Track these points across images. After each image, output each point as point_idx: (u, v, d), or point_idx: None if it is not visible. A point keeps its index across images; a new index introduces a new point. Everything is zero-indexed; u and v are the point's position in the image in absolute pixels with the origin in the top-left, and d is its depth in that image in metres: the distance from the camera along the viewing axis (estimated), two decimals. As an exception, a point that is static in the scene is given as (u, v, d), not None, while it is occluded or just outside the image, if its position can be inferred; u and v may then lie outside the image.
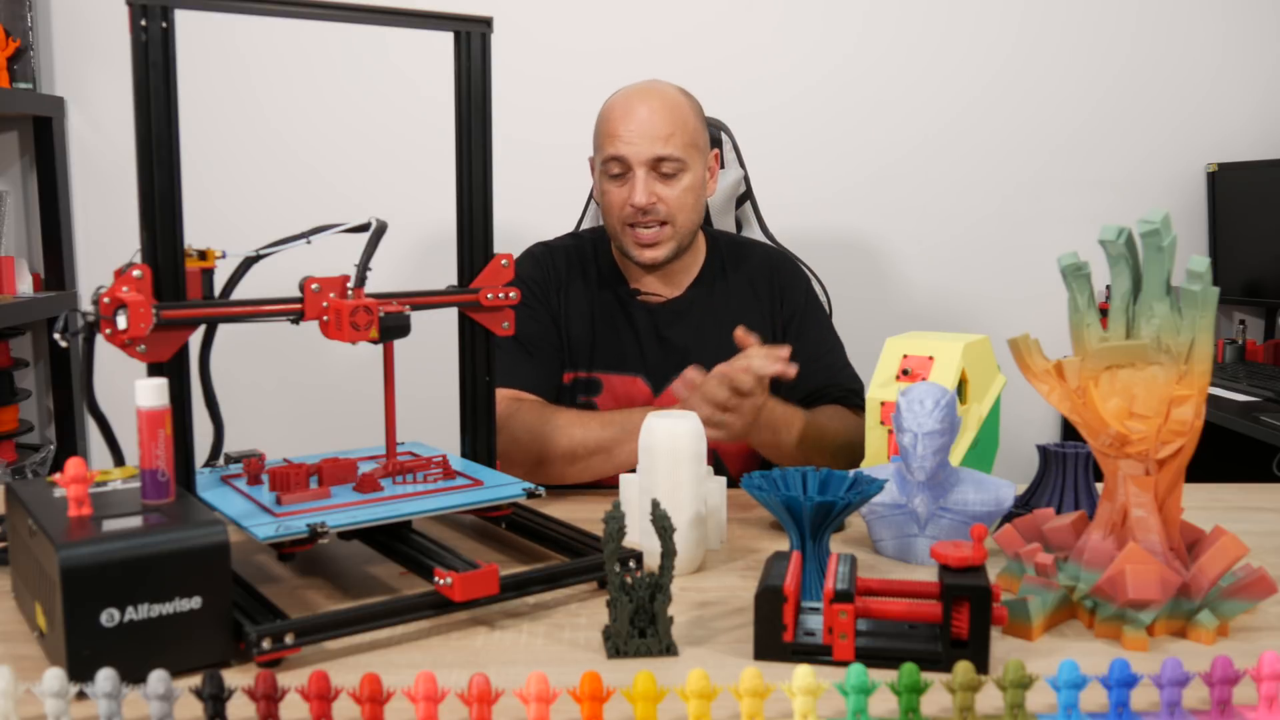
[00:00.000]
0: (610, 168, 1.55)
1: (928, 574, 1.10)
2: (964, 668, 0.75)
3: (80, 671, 0.77)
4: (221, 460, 1.17)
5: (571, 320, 1.62)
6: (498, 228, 1.23)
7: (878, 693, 0.76)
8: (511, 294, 1.21)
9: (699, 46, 2.51)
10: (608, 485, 1.52)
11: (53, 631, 0.83)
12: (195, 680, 0.73)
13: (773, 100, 2.54)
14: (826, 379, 1.61)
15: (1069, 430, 2.54)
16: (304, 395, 2.56)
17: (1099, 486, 1.11)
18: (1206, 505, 1.34)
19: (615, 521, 0.90)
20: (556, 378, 1.59)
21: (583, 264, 1.67)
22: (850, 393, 1.60)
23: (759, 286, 1.65)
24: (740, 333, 1.37)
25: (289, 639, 0.86)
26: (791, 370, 1.34)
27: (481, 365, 1.23)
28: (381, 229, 1.11)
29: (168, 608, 0.83)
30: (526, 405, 1.49)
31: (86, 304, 1.19)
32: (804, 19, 2.53)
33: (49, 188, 2.44)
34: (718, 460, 1.60)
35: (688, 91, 1.61)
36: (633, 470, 1.36)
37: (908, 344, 1.32)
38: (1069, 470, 1.22)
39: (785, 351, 1.34)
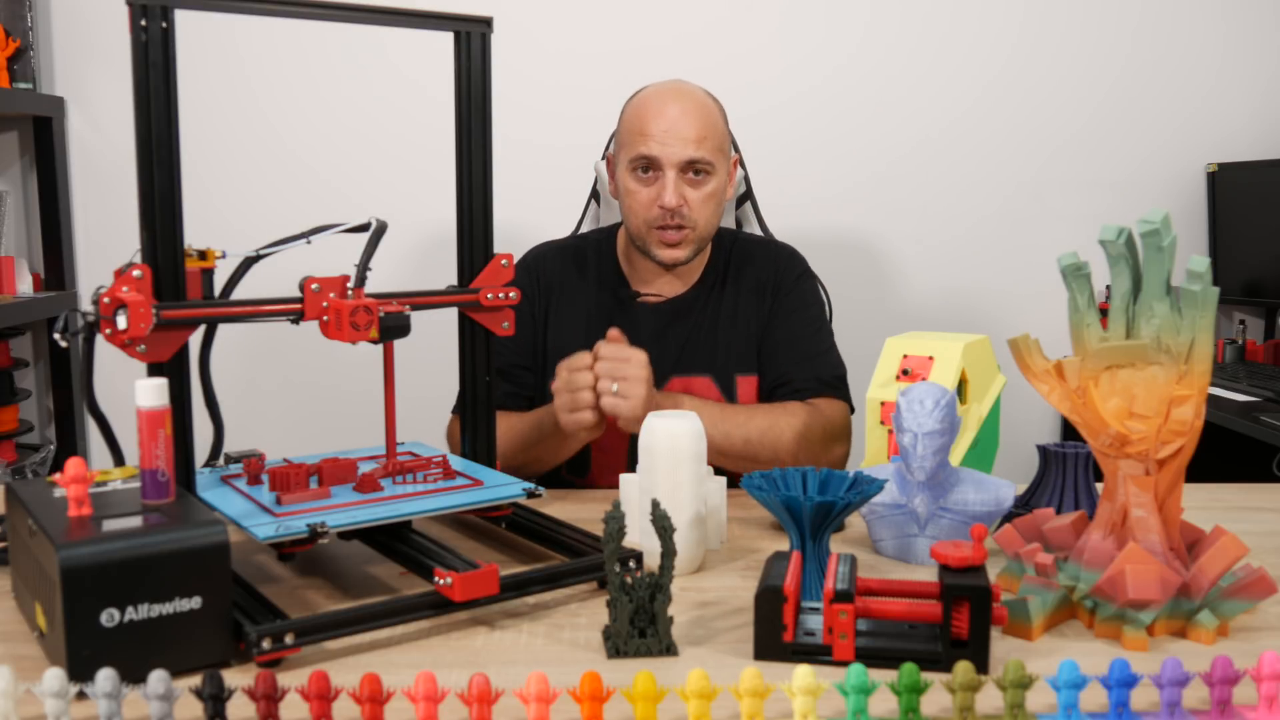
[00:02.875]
0: (639, 165, 1.53)
1: (928, 574, 1.10)
2: (964, 668, 0.75)
3: (80, 671, 0.77)
4: (221, 460, 1.17)
5: (563, 326, 1.62)
6: (498, 228, 1.23)
7: (878, 693, 0.76)
8: (511, 294, 1.21)
9: (700, 47, 2.51)
10: (608, 485, 1.53)
11: (53, 631, 0.83)
12: (195, 680, 0.73)
13: (773, 100, 2.54)
14: (789, 367, 1.57)
15: (1069, 430, 2.54)
16: (304, 395, 2.57)
17: (1099, 486, 1.11)
18: (1206, 505, 1.34)
19: (615, 521, 0.90)
20: (516, 401, 1.59)
21: (581, 267, 1.66)
22: (817, 381, 1.56)
23: (758, 283, 1.64)
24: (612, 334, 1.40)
25: (289, 639, 0.86)
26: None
27: (481, 365, 1.23)
28: (381, 229, 1.11)
29: (168, 608, 0.83)
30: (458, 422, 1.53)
31: (86, 304, 1.19)
32: (804, 20, 2.53)
33: (49, 188, 2.44)
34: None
35: (712, 94, 1.60)
36: (570, 463, 1.42)
37: (908, 344, 1.32)
38: (1069, 470, 1.22)
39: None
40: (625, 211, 1.58)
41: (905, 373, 1.29)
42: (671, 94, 1.54)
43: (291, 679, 0.78)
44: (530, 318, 1.62)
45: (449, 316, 1.21)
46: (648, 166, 1.52)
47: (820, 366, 1.58)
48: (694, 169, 1.51)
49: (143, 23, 0.97)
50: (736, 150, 1.87)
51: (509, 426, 1.46)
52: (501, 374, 1.57)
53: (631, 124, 1.55)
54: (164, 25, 0.98)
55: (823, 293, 1.76)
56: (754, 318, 1.62)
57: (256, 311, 1.04)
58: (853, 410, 1.58)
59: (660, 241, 1.55)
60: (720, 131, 1.56)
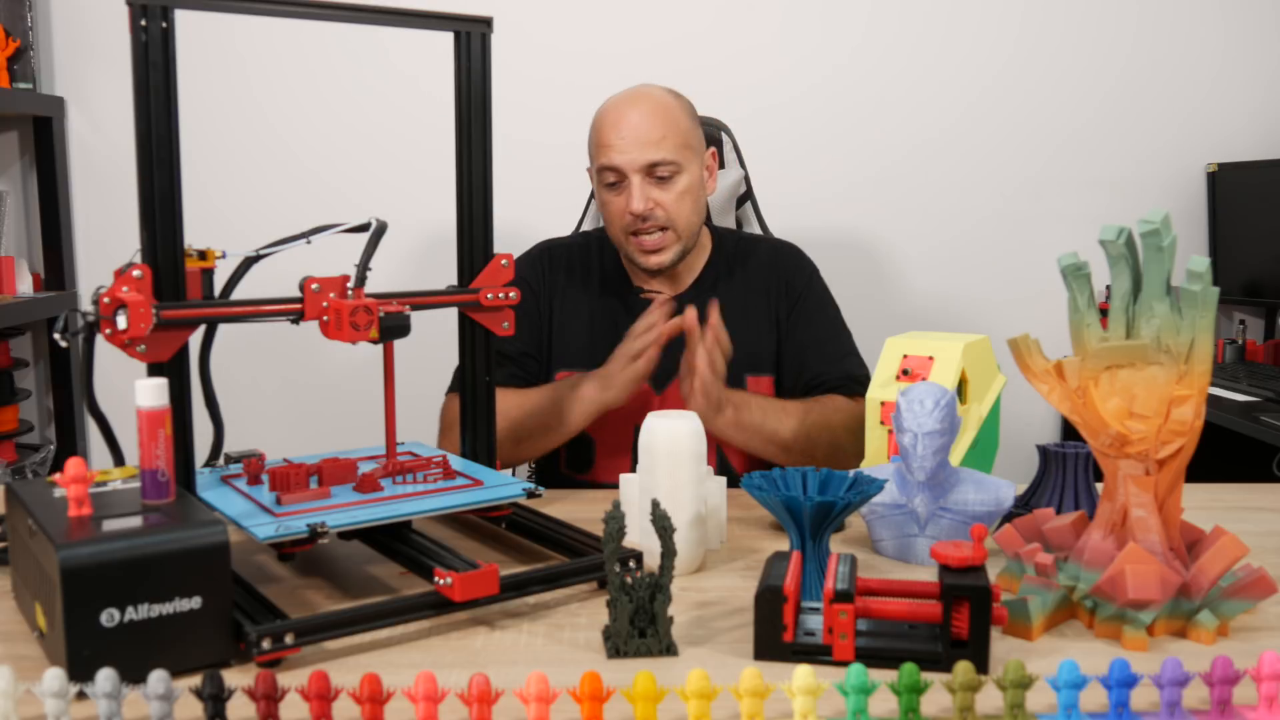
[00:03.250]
0: (605, 177, 1.54)
1: (928, 574, 1.09)
2: (964, 668, 0.75)
3: (80, 671, 0.77)
4: (221, 460, 1.17)
5: (566, 322, 1.63)
6: (498, 228, 1.23)
7: (878, 693, 0.76)
8: (511, 294, 1.22)
9: (700, 47, 2.51)
10: (608, 485, 1.53)
11: (53, 631, 0.83)
12: (195, 680, 0.73)
13: (773, 100, 2.54)
14: (823, 366, 1.59)
15: (1069, 430, 2.54)
16: (304, 395, 2.56)
17: (1099, 486, 1.11)
18: (1206, 505, 1.34)
19: (615, 521, 0.90)
20: (519, 383, 1.60)
21: (585, 265, 1.67)
22: (850, 379, 1.58)
23: (766, 282, 1.65)
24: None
25: (289, 639, 0.86)
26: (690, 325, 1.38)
27: (481, 365, 1.23)
28: (381, 229, 1.11)
29: (168, 608, 0.83)
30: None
31: (86, 304, 1.19)
32: (804, 19, 2.53)
33: (49, 188, 2.44)
34: (722, 459, 1.60)
35: (677, 92, 1.60)
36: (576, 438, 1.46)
37: (908, 344, 1.32)
38: (1069, 470, 1.22)
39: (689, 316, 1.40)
40: (605, 224, 1.61)
41: (905, 373, 1.29)
42: (627, 101, 1.55)
43: (291, 679, 0.78)
44: (536, 310, 1.63)
45: (449, 316, 1.21)
46: (614, 176, 1.53)
47: (851, 365, 1.61)
48: (659, 170, 1.52)
49: (143, 23, 0.97)
50: (732, 141, 1.87)
51: (521, 397, 1.50)
52: (509, 359, 1.58)
53: (593, 138, 1.57)
54: (164, 25, 0.98)
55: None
56: (765, 318, 1.62)
57: (256, 311, 1.04)
58: None
59: (640, 249, 1.56)
60: (683, 128, 1.55)
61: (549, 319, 1.64)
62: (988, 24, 2.55)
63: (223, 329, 1.11)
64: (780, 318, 1.63)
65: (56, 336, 1.03)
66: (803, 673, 0.73)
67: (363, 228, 1.11)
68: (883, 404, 1.28)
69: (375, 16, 1.11)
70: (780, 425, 1.47)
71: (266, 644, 0.85)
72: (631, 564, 1.01)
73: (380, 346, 1.10)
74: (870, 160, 2.57)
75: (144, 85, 0.98)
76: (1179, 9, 2.56)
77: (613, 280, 1.66)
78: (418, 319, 1.08)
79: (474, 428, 1.24)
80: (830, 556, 0.95)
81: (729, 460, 1.61)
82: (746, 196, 1.89)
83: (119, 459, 1.04)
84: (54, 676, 0.69)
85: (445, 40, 1.19)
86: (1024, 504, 1.23)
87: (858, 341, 1.75)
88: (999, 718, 0.76)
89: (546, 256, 1.68)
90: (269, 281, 1.15)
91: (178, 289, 1.01)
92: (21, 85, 2.39)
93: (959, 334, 1.36)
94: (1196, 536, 1.01)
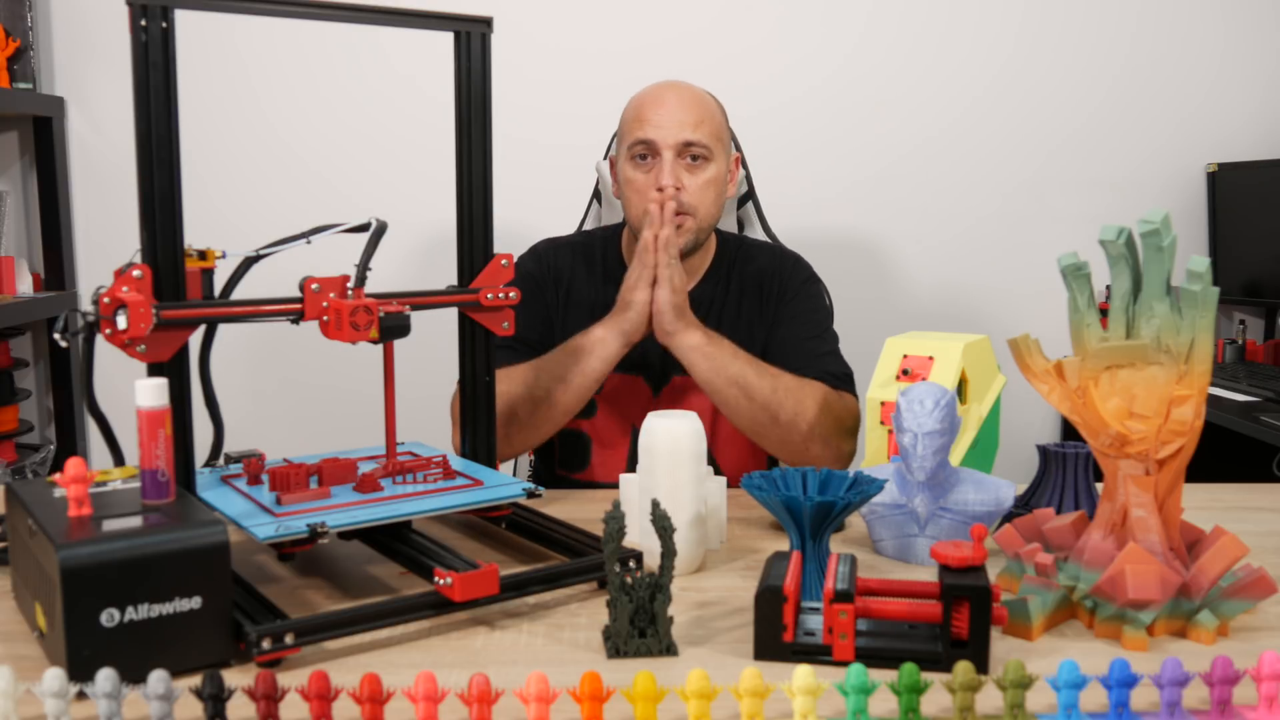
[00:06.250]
0: (636, 152, 1.54)
1: (928, 574, 1.10)
2: (964, 668, 0.75)
3: (80, 671, 0.77)
4: (221, 460, 1.17)
5: (570, 319, 1.63)
6: (498, 228, 1.23)
7: (878, 693, 0.76)
8: (511, 294, 1.21)
9: (700, 46, 2.51)
10: (604, 485, 1.53)
11: (53, 631, 0.83)
12: (195, 680, 0.73)
13: (774, 100, 2.54)
14: (801, 361, 1.56)
15: (1069, 430, 2.54)
16: (304, 395, 2.56)
17: (1099, 486, 1.11)
18: (1206, 505, 1.34)
19: (615, 521, 0.90)
20: (516, 358, 1.58)
21: (589, 262, 1.67)
22: (826, 374, 1.54)
23: (762, 283, 1.65)
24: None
25: (289, 639, 0.86)
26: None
27: (481, 365, 1.23)
28: (381, 229, 1.11)
29: (168, 608, 0.83)
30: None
31: (86, 304, 1.19)
32: (805, 19, 2.53)
33: (49, 188, 2.44)
34: (712, 464, 1.59)
35: (712, 94, 1.62)
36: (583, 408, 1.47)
37: (908, 344, 1.32)
38: (1069, 470, 1.22)
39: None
40: (625, 204, 1.59)
41: (905, 373, 1.29)
42: (668, 85, 1.58)
43: (291, 679, 0.78)
44: (543, 303, 1.63)
45: (449, 316, 1.21)
46: (645, 152, 1.54)
47: (828, 363, 1.58)
48: (691, 153, 1.52)
49: (143, 23, 0.97)
50: (739, 149, 1.87)
51: (524, 367, 1.48)
52: (506, 346, 1.56)
53: (629, 116, 1.58)
54: (164, 25, 0.98)
55: (826, 298, 1.76)
56: (756, 319, 1.63)
57: (256, 311, 1.04)
58: None
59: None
60: (718, 121, 1.57)
61: (554, 309, 1.63)
62: (988, 24, 2.55)
63: (223, 329, 1.11)
64: (769, 317, 1.63)
65: (56, 336, 1.03)
66: (803, 673, 0.73)
67: (363, 228, 1.11)
68: (883, 404, 1.28)
69: (375, 16, 1.11)
70: (747, 372, 1.43)
71: (266, 644, 0.85)
72: (631, 564, 1.01)
73: (380, 346, 1.10)
74: (870, 160, 2.57)
75: (144, 85, 0.98)
76: (1179, 9, 2.56)
77: (616, 279, 1.65)
78: (418, 319, 1.08)
79: (474, 428, 1.24)
80: (830, 556, 0.95)
81: (719, 460, 1.60)
82: (748, 196, 1.89)
83: (119, 459, 1.04)
84: (54, 676, 0.69)
85: (445, 40, 1.19)
86: (1024, 504, 1.23)
87: (858, 341, 1.75)
88: (999, 718, 0.76)
89: (551, 254, 1.68)
90: (269, 281, 1.15)
91: (178, 289, 1.01)
92: (21, 85, 2.39)
93: (959, 334, 1.36)
94: (1196, 536, 1.01)
